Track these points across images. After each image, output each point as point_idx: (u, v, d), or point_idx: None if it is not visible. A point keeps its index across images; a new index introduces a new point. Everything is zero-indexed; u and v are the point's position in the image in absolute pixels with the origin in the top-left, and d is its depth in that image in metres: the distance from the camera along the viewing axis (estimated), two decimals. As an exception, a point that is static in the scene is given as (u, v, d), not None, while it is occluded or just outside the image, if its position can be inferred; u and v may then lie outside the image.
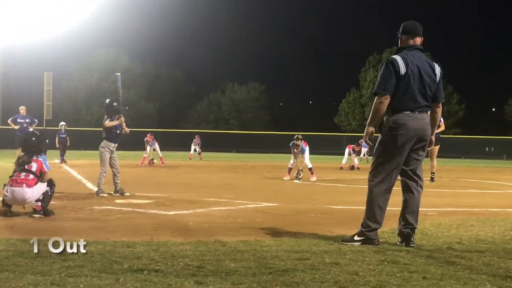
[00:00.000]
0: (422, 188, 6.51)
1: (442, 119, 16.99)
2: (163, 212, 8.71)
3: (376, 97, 6.30)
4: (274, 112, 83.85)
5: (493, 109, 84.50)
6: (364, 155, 34.31)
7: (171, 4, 78.58)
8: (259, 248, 5.88)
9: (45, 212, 8.04)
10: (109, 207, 9.22)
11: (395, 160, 6.31)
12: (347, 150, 26.50)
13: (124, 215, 8.41)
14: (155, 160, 25.42)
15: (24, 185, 8.11)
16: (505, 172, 27.63)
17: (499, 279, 4.75)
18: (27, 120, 22.78)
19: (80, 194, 10.73)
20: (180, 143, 45.29)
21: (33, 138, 8.60)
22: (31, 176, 8.24)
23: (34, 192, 8.13)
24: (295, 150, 17.67)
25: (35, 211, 8.04)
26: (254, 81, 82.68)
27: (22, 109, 22.91)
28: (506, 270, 5.10)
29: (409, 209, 6.41)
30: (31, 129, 8.82)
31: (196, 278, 4.56)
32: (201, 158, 34.24)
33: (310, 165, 17.32)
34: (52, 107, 44.87)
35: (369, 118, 6.43)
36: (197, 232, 6.95)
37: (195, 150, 35.17)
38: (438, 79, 6.45)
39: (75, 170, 19.18)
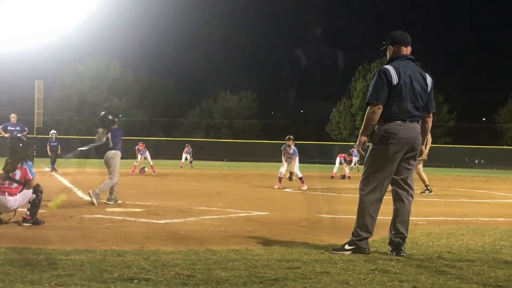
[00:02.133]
0: (412, 197, 6.52)
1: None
2: (154, 221, 8.69)
3: (368, 107, 6.32)
4: (265, 121, 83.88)
5: (484, 119, 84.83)
6: (355, 164, 34.40)
7: (164, 12, 78.75)
8: (250, 257, 5.87)
9: (34, 221, 7.97)
10: (100, 216, 9.19)
11: (386, 169, 6.32)
12: (338, 159, 26.57)
13: (114, 223, 8.38)
14: (146, 169, 25.39)
15: (6, 193, 8.02)
16: (495, 181, 27.77)
17: (489, 289, 4.77)
18: (17, 128, 22.69)
19: (71, 203, 10.69)
20: (171, 152, 45.29)
21: (20, 144, 8.52)
22: (15, 185, 8.13)
23: (18, 200, 8.05)
24: (288, 152, 17.71)
25: (24, 220, 7.98)
26: (246, 90, 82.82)
27: (13, 117, 22.80)
28: (496, 279, 5.11)
29: (400, 218, 6.41)
30: (18, 135, 8.69)
31: (186, 287, 4.56)
32: (192, 167, 34.23)
33: (300, 174, 17.34)
34: (43, 115, 44.74)
35: (362, 127, 6.44)
36: (188, 240, 6.94)
37: (186, 159, 35.19)
38: (429, 89, 6.48)
39: (65, 178, 19.11)
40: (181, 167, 33.84)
